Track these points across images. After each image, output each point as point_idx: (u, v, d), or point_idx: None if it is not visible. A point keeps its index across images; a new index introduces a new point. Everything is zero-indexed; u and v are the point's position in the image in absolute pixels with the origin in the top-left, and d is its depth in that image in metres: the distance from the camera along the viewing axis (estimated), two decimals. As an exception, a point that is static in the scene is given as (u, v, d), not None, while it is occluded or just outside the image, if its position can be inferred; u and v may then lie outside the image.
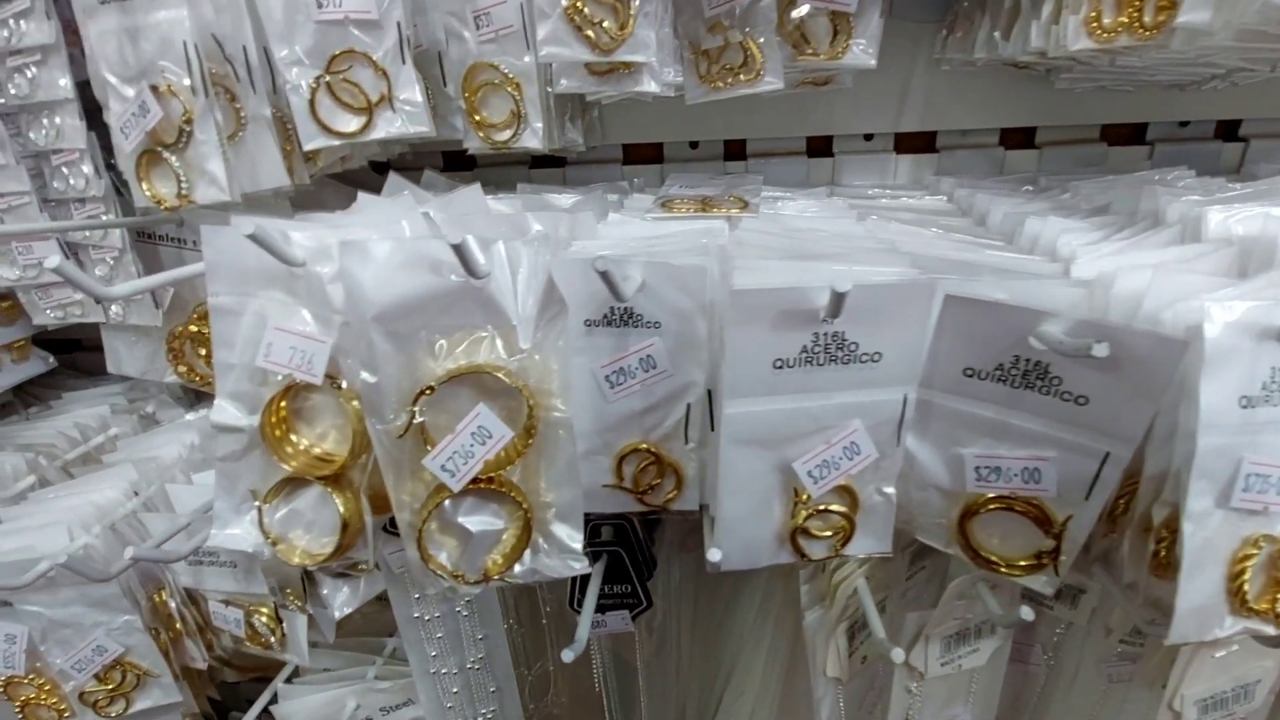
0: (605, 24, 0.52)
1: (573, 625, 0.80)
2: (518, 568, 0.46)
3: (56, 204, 0.72)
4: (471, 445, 0.41)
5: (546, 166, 0.83)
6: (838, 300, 0.35)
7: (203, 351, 0.77)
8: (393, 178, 0.62)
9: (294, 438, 0.43)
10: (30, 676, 0.63)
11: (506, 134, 0.63)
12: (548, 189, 0.72)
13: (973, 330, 0.41)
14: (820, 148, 0.80)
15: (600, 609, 0.65)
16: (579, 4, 0.51)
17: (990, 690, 0.57)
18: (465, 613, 0.72)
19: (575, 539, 0.45)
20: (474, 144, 0.65)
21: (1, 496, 0.70)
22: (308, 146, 0.56)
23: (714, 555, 0.44)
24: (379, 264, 0.37)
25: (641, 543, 0.65)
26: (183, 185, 0.52)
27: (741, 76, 0.61)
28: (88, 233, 0.72)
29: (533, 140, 0.62)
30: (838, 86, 0.70)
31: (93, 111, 0.68)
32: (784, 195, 0.69)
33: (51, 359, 0.87)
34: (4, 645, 0.62)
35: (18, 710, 0.64)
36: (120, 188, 0.66)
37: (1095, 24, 0.48)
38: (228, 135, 0.53)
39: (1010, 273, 0.46)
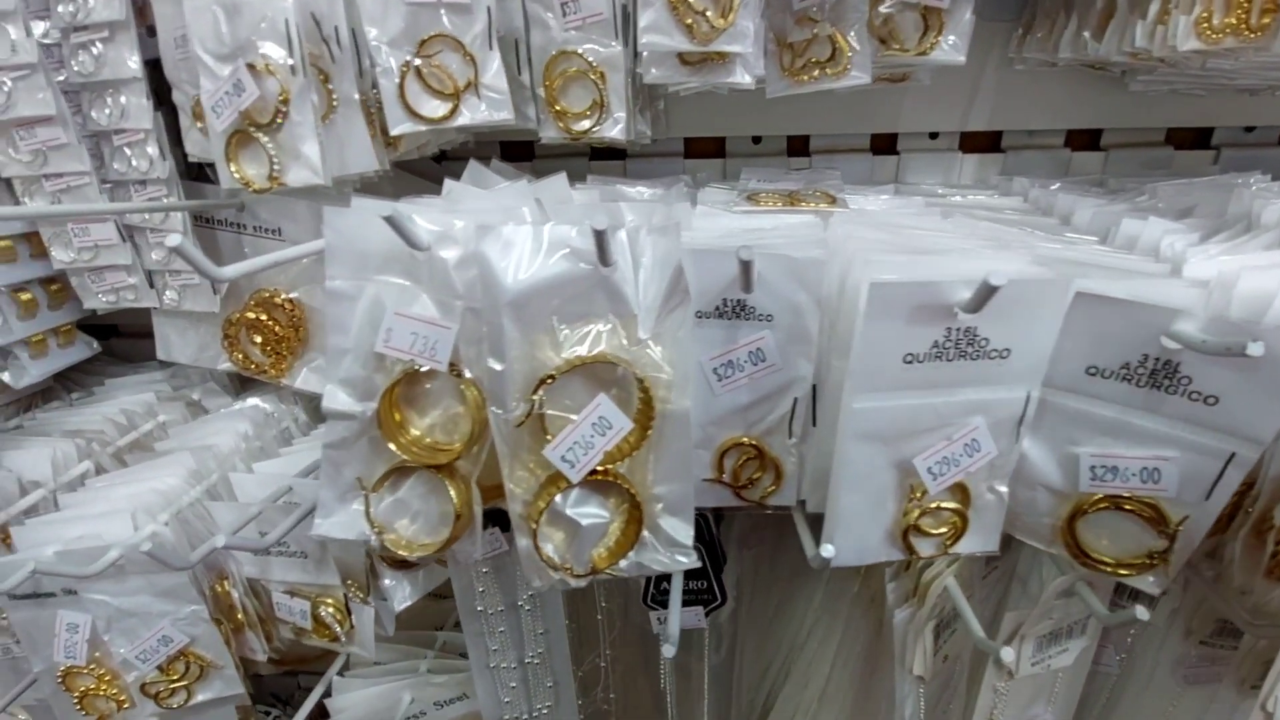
0: (708, 13, 0.51)
1: (635, 621, 0.80)
2: (623, 562, 0.45)
3: (115, 185, 0.71)
4: (592, 436, 0.41)
5: (606, 158, 0.82)
6: (987, 295, 0.35)
7: (258, 339, 0.76)
8: (473, 165, 0.61)
9: (408, 426, 0.42)
10: (90, 666, 0.62)
11: (586, 123, 0.62)
12: (618, 180, 0.71)
13: (1102, 328, 0.40)
14: (884, 145, 0.79)
15: (674, 604, 0.64)
16: (684, -9, 0.50)
17: (1072, 690, 0.57)
18: (528, 607, 0.71)
19: (685, 533, 0.45)
20: (550, 133, 0.64)
21: (58, 483, 0.68)
22: (395, 131, 0.55)
23: (827, 551, 0.44)
24: (517, 249, 0.37)
25: (716, 538, 0.65)
26: (275, 167, 0.51)
27: (828, 70, 0.60)
28: (146, 216, 0.70)
29: (614, 130, 0.61)
30: (913, 83, 0.69)
31: (157, 93, 0.67)
32: (856, 192, 0.69)
33: (95, 344, 0.85)
34: (66, 635, 0.61)
35: (76, 701, 0.63)
36: (206, 170, 0.64)
37: (1205, 25, 0.48)
38: (320, 117, 0.52)
39: (1119, 271, 0.46)
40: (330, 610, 0.64)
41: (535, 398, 0.40)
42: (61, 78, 0.67)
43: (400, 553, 0.43)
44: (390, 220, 0.36)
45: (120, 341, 0.97)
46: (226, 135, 0.50)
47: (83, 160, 0.68)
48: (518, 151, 0.84)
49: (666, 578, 0.63)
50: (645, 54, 0.55)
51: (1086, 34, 0.58)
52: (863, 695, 0.64)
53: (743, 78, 0.56)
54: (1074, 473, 0.44)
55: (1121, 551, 0.45)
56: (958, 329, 0.39)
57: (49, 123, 0.66)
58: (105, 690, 0.63)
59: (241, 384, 0.89)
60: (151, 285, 0.75)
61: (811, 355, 0.46)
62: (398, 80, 0.54)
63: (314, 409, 0.83)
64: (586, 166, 0.82)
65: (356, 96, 0.53)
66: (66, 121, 0.66)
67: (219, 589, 0.65)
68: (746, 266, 0.38)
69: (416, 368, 0.41)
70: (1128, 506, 0.44)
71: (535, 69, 0.61)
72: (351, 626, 0.64)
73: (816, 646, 0.72)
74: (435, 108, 0.56)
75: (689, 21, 0.52)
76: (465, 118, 0.57)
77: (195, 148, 0.64)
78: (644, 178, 0.77)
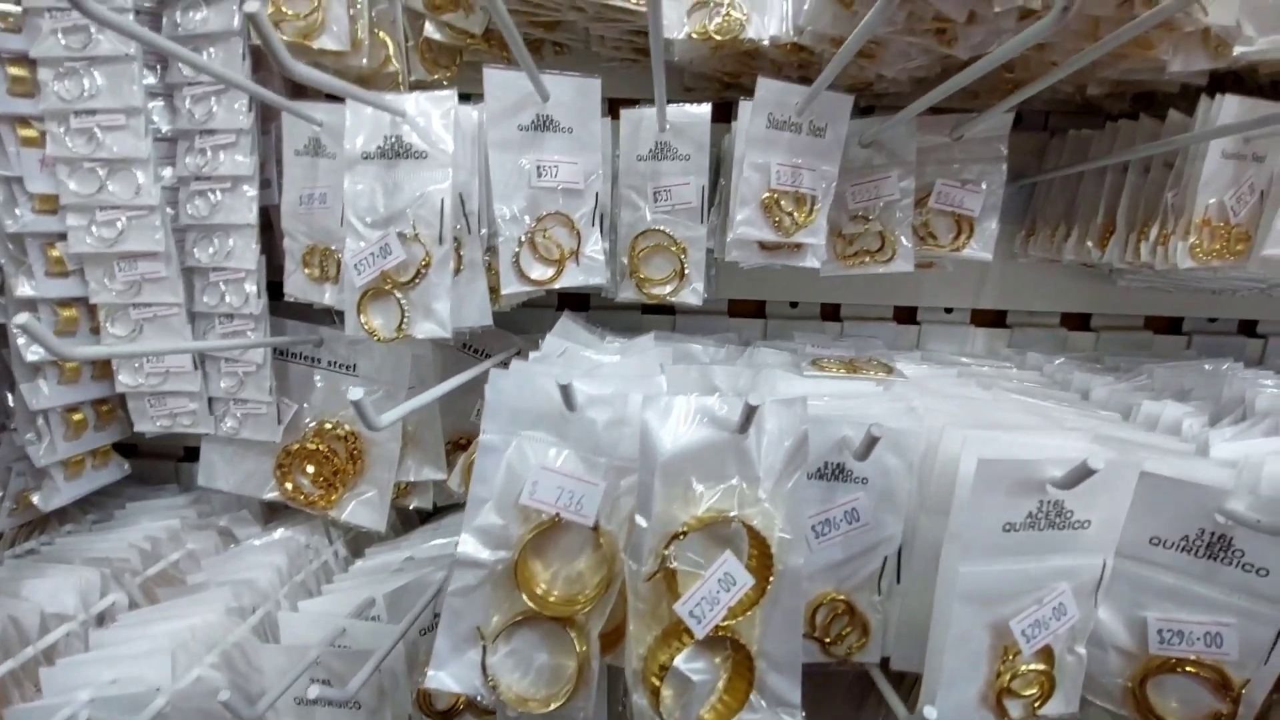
0: (794, 214, 0.60)
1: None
2: (732, 720, 0.46)
3: (200, 317, 0.74)
4: (718, 591, 0.43)
5: (657, 314, 0.90)
6: (1084, 476, 0.41)
7: (310, 469, 0.77)
8: (565, 319, 0.67)
9: (541, 577, 0.44)
10: (100, 836, 0.56)
11: (664, 289, 0.69)
12: (680, 337, 0.77)
13: (1163, 504, 0.46)
14: (905, 316, 0.89)
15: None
16: (777, 196, 0.60)
17: None
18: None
19: (792, 692, 0.46)
20: (628, 294, 0.71)
21: (89, 616, 0.65)
22: (505, 292, 0.61)
23: (930, 713, 0.45)
24: (673, 417, 0.41)
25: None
26: (405, 320, 0.55)
27: (877, 258, 0.70)
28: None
29: (692, 297, 0.68)
30: (938, 269, 0.80)
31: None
32: (898, 358, 0.77)
33: (126, 465, 0.84)
34: (82, 796, 0.55)
35: None
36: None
37: (1198, 249, 0.59)
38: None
39: (1162, 451, 0.53)
40: (377, 769, 0.60)
41: (666, 552, 0.43)
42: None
43: (520, 708, 0.43)
44: (564, 388, 0.40)
45: (136, 462, 0.94)
46: (362, 290, 0.55)
47: (177, 293, 0.71)
48: (573, 302, 0.91)
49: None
50: (732, 239, 0.64)
51: (1090, 243, 0.70)
52: None
53: (813, 263, 0.65)
54: (1143, 635, 0.48)
55: (1190, 713, 0.48)
56: (1048, 501, 0.44)
57: (153, 258, 0.70)
58: None
59: (269, 513, 0.87)
60: (211, 412, 0.76)
61: (901, 516, 0.50)
62: (515, 250, 0.60)
63: (354, 543, 0.82)
64: (639, 319, 0.89)
65: (479, 258, 0.59)
66: (171, 258, 0.70)
67: (253, 743, 0.61)
68: (873, 441, 0.43)
69: (557, 521, 0.43)
70: (1193, 670, 0.47)
71: (621, 240, 0.70)
72: (400, 788, 0.60)
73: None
74: (542, 272, 0.63)
75: (776, 219, 0.61)
76: (567, 280, 0.64)
77: (297, 289, 0.68)
78: (692, 333, 0.84)
